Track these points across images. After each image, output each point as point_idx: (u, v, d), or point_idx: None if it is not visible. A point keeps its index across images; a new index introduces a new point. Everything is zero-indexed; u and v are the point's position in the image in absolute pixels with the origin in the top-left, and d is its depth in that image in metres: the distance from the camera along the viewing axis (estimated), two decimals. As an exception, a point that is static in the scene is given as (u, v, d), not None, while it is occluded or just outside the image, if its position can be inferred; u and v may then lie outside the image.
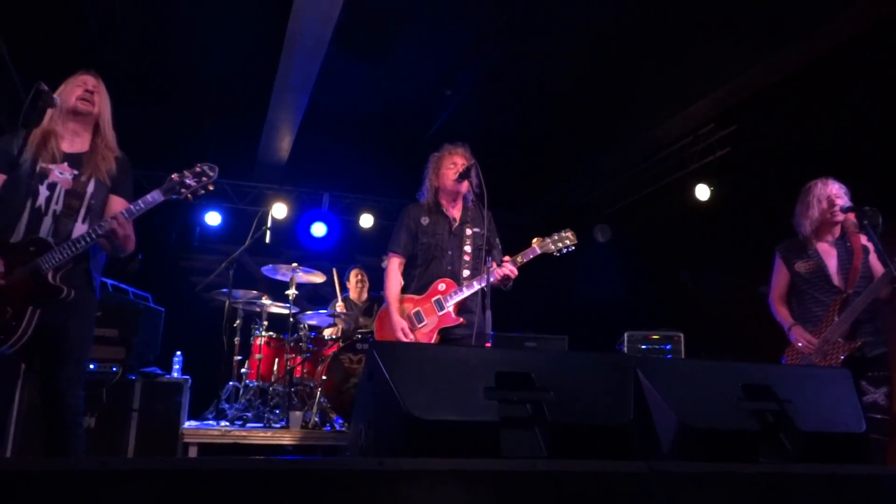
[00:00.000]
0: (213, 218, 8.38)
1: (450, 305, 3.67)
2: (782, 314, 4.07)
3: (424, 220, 3.90)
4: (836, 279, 3.84)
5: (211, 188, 3.09)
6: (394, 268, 3.91)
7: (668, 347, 6.60)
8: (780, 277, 4.11)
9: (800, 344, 3.85)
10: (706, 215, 7.16)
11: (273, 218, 8.33)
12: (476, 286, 3.66)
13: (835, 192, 3.89)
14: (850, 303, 3.71)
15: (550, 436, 2.02)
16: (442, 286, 3.73)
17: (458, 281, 3.74)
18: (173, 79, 6.67)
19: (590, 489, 1.72)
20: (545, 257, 3.81)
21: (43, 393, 2.86)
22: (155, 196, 2.98)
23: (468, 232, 3.88)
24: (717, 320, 6.78)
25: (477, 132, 6.94)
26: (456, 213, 3.95)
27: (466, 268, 3.80)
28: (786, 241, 4.13)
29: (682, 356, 6.46)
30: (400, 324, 3.71)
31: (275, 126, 7.10)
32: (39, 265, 2.76)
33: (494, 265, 3.65)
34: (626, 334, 6.74)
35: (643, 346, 6.63)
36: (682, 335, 6.62)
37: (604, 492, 1.73)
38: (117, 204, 3.07)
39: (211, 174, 3.06)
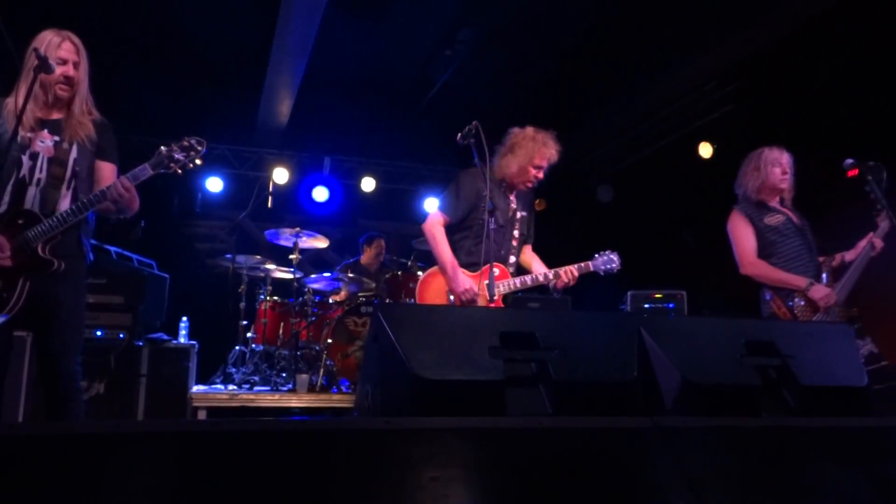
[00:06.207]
0: (214, 184, 8.35)
1: (499, 293, 3.62)
2: (780, 274, 3.77)
3: (488, 194, 3.52)
4: (809, 234, 3.87)
5: (199, 161, 3.00)
6: (439, 228, 3.70)
7: (671, 306, 6.62)
8: (748, 236, 3.89)
9: (821, 297, 3.62)
10: (709, 173, 7.11)
11: (274, 183, 8.32)
12: (529, 283, 3.67)
13: (787, 161, 3.92)
14: (844, 268, 3.69)
15: (555, 393, 2.04)
16: (496, 271, 3.56)
17: (507, 266, 3.72)
18: (170, 44, 6.57)
19: (594, 445, 1.75)
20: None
21: (40, 361, 2.86)
22: (144, 170, 2.89)
23: (518, 216, 3.84)
24: (719, 278, 6.77)
25: (477, 93, 6.89)
26: (515, 196, 3.88)
27: (513, 254, 3.79)
28: (739, 203, 4.02)
29: (686, 314, 6.49)
30: (465, 283, 3.53)
31: (274, 90, 7.03)
32: (29, 238, 2.72)
33: (555, 272, 3.77)
34: (629, 293, 6.76)
35: (646, 305, 6.65)
36: (684, 293, 6.63)
37: (608, 447, 1.76)
38: (106, 168, 2.99)
39: (199, 148, 2.97)
